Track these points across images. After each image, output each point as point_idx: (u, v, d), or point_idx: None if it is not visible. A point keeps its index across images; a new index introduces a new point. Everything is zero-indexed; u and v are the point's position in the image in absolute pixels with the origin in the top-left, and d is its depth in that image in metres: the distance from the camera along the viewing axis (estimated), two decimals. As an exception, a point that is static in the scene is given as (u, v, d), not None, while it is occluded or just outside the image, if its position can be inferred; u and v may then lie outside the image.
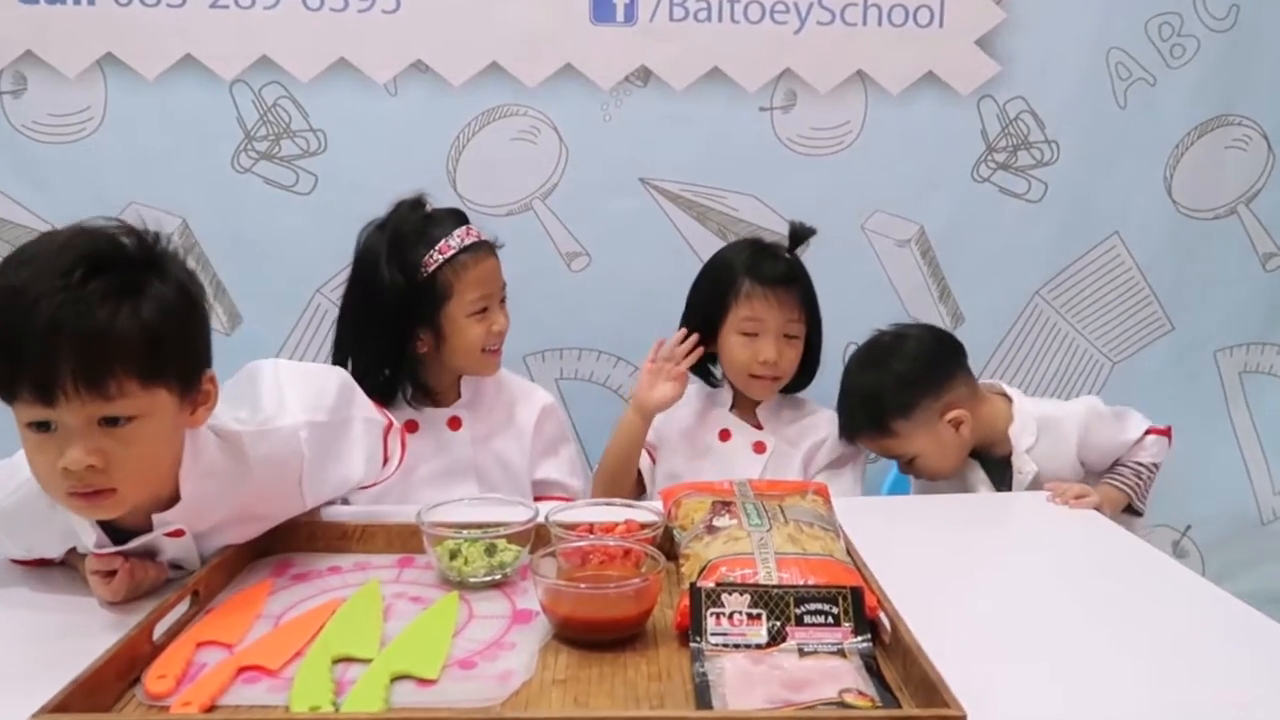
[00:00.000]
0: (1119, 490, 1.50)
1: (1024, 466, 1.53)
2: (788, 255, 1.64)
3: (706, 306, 1.63)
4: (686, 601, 0.90)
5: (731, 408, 1.67)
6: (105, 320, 0.84)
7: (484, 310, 1.46)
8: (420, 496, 1.39)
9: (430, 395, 1.53)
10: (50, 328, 0.83)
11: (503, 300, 1.51)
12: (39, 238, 0.92)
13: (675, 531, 1.07)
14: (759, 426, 1.65)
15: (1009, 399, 1.59)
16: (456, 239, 1.45)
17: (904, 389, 1.54)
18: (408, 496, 1.41)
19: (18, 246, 0.90)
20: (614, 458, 1.61)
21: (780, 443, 1.64)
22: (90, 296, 0.84)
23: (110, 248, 0.89)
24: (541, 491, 1.55)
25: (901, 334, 1.62)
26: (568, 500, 1.47)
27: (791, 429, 1.65)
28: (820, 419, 1.67)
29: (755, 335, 1.58)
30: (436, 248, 1.44)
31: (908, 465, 1.60)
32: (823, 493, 1.11)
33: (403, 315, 1.44)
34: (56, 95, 1.87)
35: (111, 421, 0.87)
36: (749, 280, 1.59)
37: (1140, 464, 1.51)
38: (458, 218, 1.50)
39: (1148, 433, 1.52)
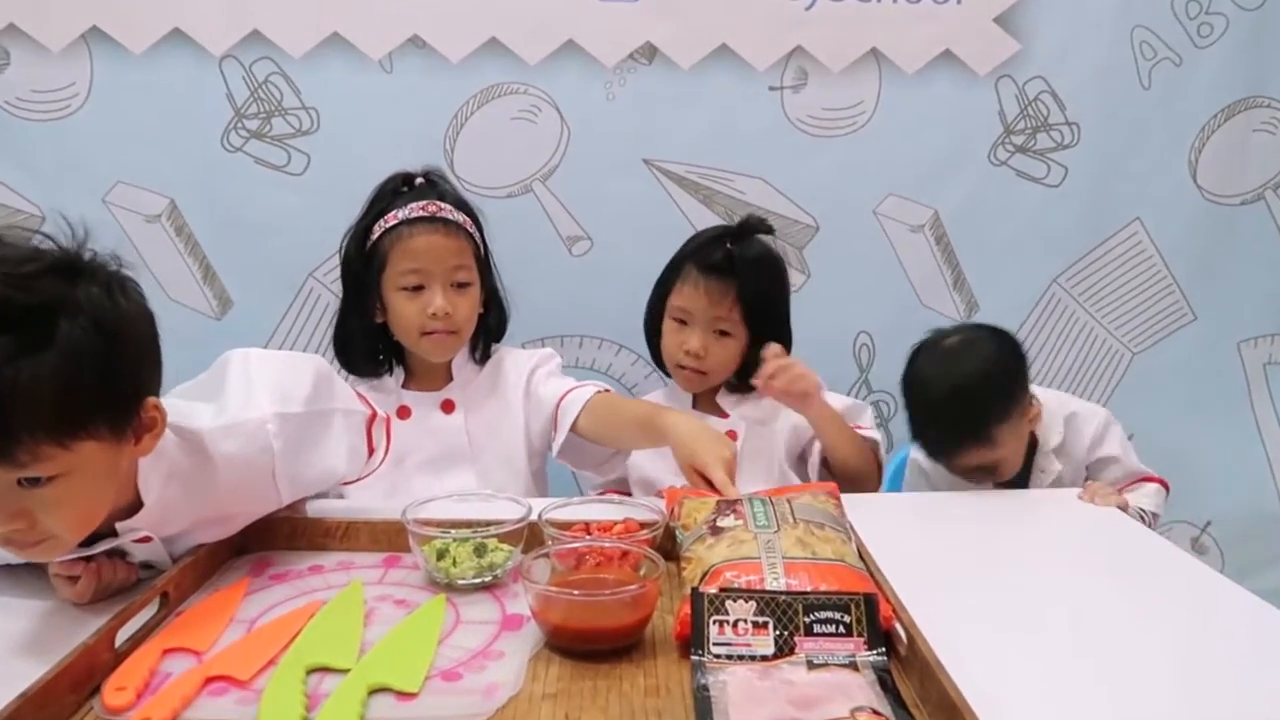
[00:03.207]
0: None
1: (1048, 465, 1.46)
2: (730, 246, 1.51)
3: (658, 286, 1.57)
4: (687, 608, 0.85)
5: (695, 404, 1.58)
6: (5, 386, 0.75)
7: (418, 288, 1.40)
8: (413, 485, 1.36)
9: (420, 378, 1.48)
10: None
11: (460, 285, 1.41)
12: None
13: (677, 531, 1.02)
14: (724, 415, 1.56)
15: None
16: (406, 210, 1.40)
17: (1000, 396, 1.41)
18: (400, 485, 1.37)
19: None
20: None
21: (752, 425, 1.55)
22: None
23: (11, 292, 0.77)
24: (568, 408, 1.42)
25: (968, 339, 1.47)
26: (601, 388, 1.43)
27: (758, 410, 1.55)
28: None
29: (685, 324, 1.52)
30: (385, 217, 1.41)
31: (981, 473, 1.45)
32: (834, 493, 1.06)
33: (357, 282, 1.45)
34: (41, 70, 1.83)
35: (33, 481, 0.80)
36: (689, 264, 1.52)
37: (1143, 510, 1.39)
38: (430, 193, 1.44)
39: (1149, 479, 1.40)
